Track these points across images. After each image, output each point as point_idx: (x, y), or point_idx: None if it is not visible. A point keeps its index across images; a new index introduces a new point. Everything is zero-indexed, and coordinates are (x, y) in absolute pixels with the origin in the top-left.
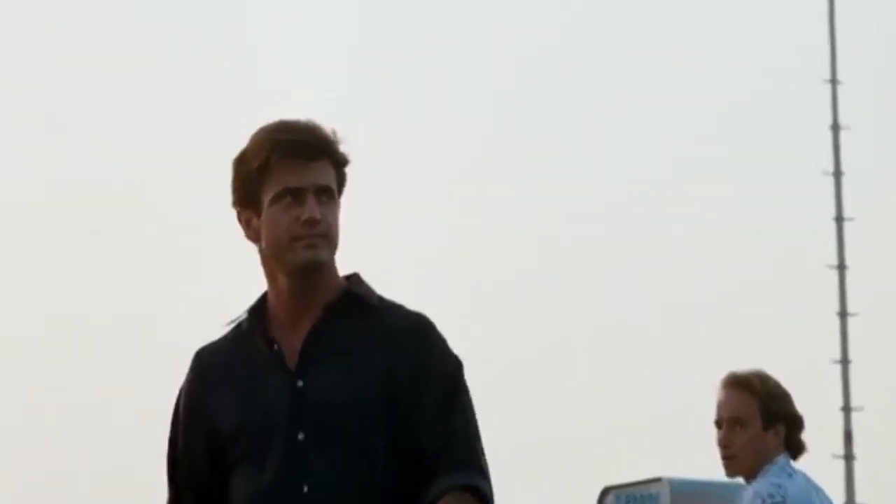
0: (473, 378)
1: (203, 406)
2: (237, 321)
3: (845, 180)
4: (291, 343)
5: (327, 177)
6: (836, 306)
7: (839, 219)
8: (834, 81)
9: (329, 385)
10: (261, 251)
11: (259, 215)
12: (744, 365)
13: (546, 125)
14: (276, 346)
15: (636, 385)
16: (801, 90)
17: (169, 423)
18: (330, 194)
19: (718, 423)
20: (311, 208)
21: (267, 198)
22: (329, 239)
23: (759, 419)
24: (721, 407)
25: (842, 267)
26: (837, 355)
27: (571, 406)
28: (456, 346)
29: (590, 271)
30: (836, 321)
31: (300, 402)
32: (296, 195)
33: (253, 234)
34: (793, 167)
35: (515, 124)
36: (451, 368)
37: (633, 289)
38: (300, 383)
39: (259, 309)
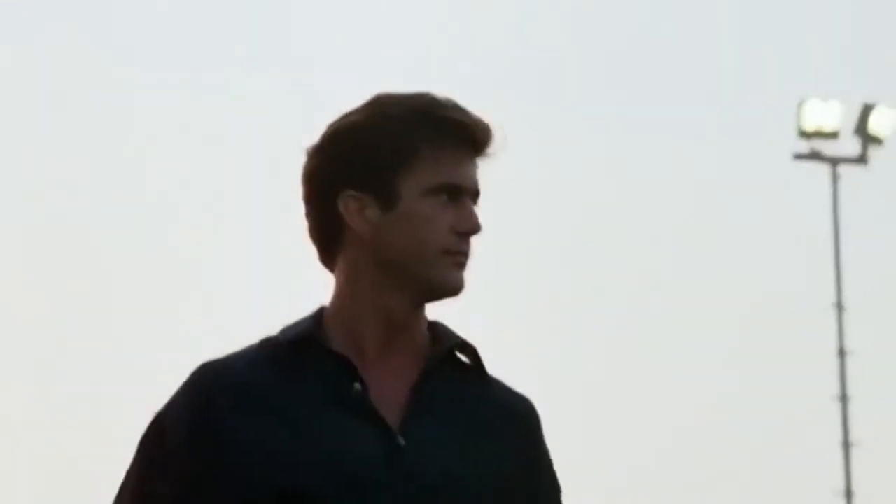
0: None
1: (229, 442)
2: (279, 338)
3: (852, 405)
4: (382, 387)
5: (479, 181)
6: None
7: (846, 444)
8: (839, 307)
9: (437, 453)
10: (362, 250)
11: (386, 206)
12: None
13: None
14: (358, 385)
15: None
16: (809, 316)
17: (142, 463)
18: (476, 204)
19: None
20: (473, 216)
21: (413, 187)
22: (468, 264)
23: None
24: None
25: (848, 493)
26: None
27: None
28: None
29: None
30: None
31: (398, 466)
32: (454, 195)
33: (364, 228)
34: (801, 392)
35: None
36: (556, 476)
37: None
38: (401, 441)
39: (318, 329)
